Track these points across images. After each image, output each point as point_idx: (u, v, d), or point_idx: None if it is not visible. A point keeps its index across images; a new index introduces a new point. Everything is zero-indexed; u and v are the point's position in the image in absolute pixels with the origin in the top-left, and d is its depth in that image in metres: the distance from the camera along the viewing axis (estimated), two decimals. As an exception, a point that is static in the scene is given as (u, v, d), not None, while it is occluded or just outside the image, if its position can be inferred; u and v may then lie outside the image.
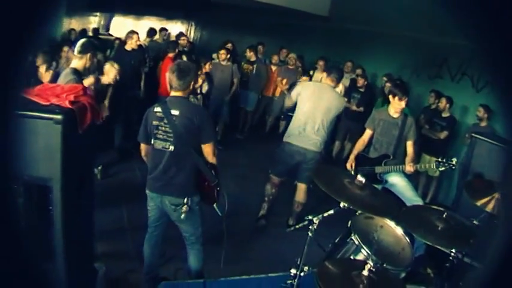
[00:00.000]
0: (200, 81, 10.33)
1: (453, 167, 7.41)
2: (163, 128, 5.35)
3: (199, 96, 10.48)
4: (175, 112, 5.29)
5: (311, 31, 17.65)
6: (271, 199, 8.59)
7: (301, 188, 8.35)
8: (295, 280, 4.87)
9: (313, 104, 7.83)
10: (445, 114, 11.16)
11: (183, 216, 5.48)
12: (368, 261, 3.88)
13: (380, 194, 5.54)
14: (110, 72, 8.53)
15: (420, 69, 13.46)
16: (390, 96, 7.82)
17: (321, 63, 14.15)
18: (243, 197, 9.51)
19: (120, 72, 9.50)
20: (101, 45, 9.68)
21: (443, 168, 7.44)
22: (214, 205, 5.73)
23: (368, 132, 8.08)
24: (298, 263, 4.90)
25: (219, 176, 5.68)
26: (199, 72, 10.14)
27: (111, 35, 19.75)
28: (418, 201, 7.63)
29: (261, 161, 11.67)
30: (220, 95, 12.44)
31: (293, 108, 8.69)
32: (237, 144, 13.86)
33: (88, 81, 7.89)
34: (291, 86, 11.78)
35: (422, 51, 13.14)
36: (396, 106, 7.72)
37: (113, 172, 9.77)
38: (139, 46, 11.27)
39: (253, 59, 14.39)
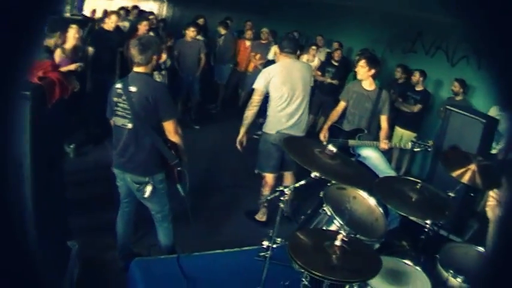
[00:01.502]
0: (164, 56, 10.26)
1: (429, 149, 7.40)
2: (121, 104, 5.31)
3: (163, 72, 10.41)
4: (133, 89, 5.24)
5: (284, 5, 17.55)
6: (270, 203, 7.70)
7: (289, 175, 7.90)
8: (268, 252, 4.82)
9: (290, 86, 7.32)
10: (418, 88, 11.17)
11: (146, 194, 5.48)
12: (341, 232, 3.84)
13: (351, 163, 5.51)
14: (69, 35, 8.30)
15: (394, 44, 13.49)
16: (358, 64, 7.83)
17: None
18: (215, 172, 9.66)
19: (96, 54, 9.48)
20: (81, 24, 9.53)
21: (418, 149, 7.42)
22: (178, 185, 5.68)
23: (342, 104, 8.00)
24: (271, 235, 4.85)
25: (183, 154, 5.64)
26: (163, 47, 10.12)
27: (85, 15, 19.45)
28: (392, 174, 7.61)
29: (233, 136, 11.68)
30: (190, 72, 12.37)
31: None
32: (210, 119, 13.83)
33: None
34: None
35: (396, 25, 13.13)
36: (358, 71, 7.75)
37: (86, 150, 9.69)
38: (118, 27, 11.06)
39: (222, 32, 14.35)
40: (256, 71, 13.31)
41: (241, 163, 9.50)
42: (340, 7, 15.05)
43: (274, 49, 12.73)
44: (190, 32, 12.11)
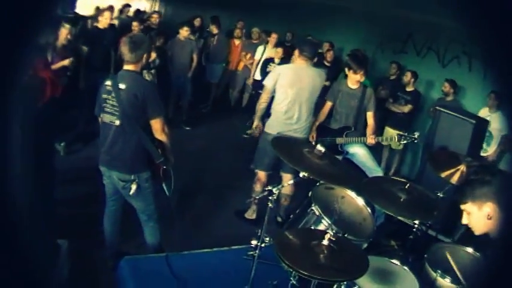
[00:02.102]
0: (153, 55, 10.26)
1: (415, 140, 7.40)
2: (110, 101, 5.32)
3: (153, 71, 10.38)
4: (122, 86, 5.25)
5: (275, 5, 17.46)
6: (260, 200, 7.84)
7: (288, 178, 7.36)
8: (256, 251, 4.83)
9: (296, 90, 7.27)
10: (409, 88, 11.20)
11: (131, 192, 5.49)
12: (328, 231, 3.84)
13: (339, 163, 5.52)
14: (61, 34, 8.27)
15: (385, 44, 13.50)
16: (346, 69, 7.76)
17: (274, 35, 13.54)
18: (205, 172, 9.63)
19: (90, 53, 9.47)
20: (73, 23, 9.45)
21: (405, 141, 7.43)
22: (163, 184, 5.72)
23: (328, 104, 7.99)
24: (259, 234, 4.85)
25: (169, 154, 5.67)
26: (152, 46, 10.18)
27: (76, 13, 19.16)
28: (379, 171, 7.67)
29: (223, 137, 11.67)
30: (182, 72, 12.25)
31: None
32: (201, 120, 13.65)
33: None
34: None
35: (387, 26, 13.14)
36: (352, 79, 7.71)
37: (77, 149, 9.66)
38: (111, 25, 10.97)
39: (215, 31, 14.13)
40: (246, 70, 13.38)
41: (231, 163, 9.53)
42: (331, 7, 14.98)
43: (264, 49, 12.72)
44: (184, 32, 12.00)
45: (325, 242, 3.70)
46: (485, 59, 9.19)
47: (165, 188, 5.72)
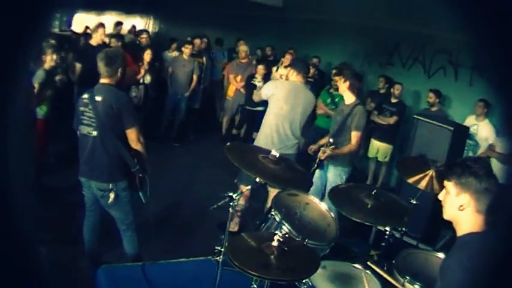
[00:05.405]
0: (142, 71, 10.40)
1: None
2: (88, 113, 5.51)
3: (140, 86, 10.52)
4: (98, 98, 5.45)
5: (266, 22, 17.60)
6: (243, 213, 8.05)
7: (274, 193, 7.43)
8: (220, 257, 4.91)
9: (291, 105, 7.34)
10: (394, 100, 11.27)
11: (109, 201, 5.66)
12: (277, 233, 3.93)
13: (295, 168, 5.53)
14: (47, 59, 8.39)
15: (371, 57, 13.67)
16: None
17: (288, 56, 12.46)
18: (191, 185, 9.76)
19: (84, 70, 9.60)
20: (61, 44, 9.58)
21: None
22: (139, 192, 5.86)
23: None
24: (223, 240, 4.93)
25: (146, 163, 5.82)
26: (140, 64, 10.38)
27: (73, 31, 19.21)
28: None
29: (213, 151, 11.73)
30: (179, 91, 12.27)
31: (251, 103, 8.73)
32: (190, 138, 13.67)
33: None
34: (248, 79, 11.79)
35: (374, 38, 13.28)
36: (340, 88, 7.74)
37: (68, 161, 9.71)
38: (105, 43, 11.06)
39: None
40: (238, 95, 13.05)
41: (218, 177, 9.61)
42: (317, 21, 15.13)
43: (276, 69, 12.47)
44: (186, 49, 12.15)
45: (274, 243, 3.80)
46: (477, 67, 9.29)
47: (141, 196, 5.86)
